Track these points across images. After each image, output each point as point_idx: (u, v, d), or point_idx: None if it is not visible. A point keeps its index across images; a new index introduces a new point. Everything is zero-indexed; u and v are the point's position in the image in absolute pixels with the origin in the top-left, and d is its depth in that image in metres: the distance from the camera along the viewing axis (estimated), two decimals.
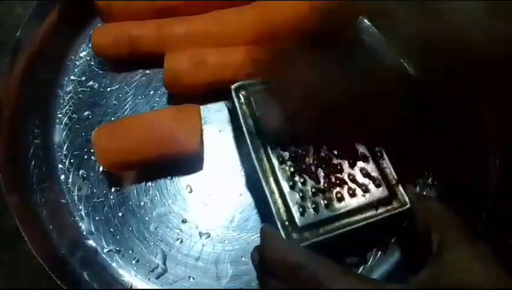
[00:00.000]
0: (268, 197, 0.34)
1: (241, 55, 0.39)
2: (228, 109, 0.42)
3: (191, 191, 0.40)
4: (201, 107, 0.40)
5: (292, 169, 0.35)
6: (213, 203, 0.39)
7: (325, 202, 0.34)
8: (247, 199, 0.40)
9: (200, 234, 0.39)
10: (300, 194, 0.34)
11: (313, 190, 0.34)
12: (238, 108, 0.36)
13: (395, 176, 0.35)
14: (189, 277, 0.37)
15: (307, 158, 0.35)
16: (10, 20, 0.45)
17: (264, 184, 0.34)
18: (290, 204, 0.33)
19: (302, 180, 0.35)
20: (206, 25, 0.41)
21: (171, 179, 0.40)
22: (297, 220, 0.33)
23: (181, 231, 0.39)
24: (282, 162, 0.35)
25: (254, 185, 0.38)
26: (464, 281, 0.27)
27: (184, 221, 0.39)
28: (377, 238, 0.38)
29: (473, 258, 0.28)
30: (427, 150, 0.41)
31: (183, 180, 0.40)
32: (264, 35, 0.41)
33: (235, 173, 0.40)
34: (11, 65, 0.40)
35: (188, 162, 0.40)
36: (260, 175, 0.34)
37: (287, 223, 0.33)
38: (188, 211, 0.39)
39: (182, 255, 0.38)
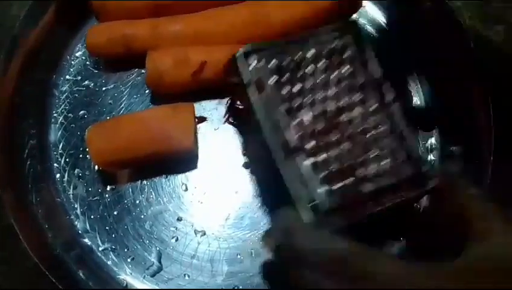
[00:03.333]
0: (287, 179, 0.31)
1: (224, 53, 0.39)
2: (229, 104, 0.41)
3: (186, 190, 0.40)
4: (196, 105, 0.40)
5: (311, 146, 0.32)
6: (208, 201, 0.40)
7: (350, 182, 0.31)
8: (243, 196, 0.40)
9: (196, 232, 0.39)
10: (322, 174, 0.31)
11: (336, 170, 0.31)
12: (244, 77, 0.32)
13: (421, 154, 0.33)
14: (185, 275, 0.37)
15: (328, 135, 0.32)
16: (6, 20, 0.45)
17: (280, 164, 0.31)
18: (311, 187, 0.30)
19: (323, 158, 0.31)
20: (200, 24, 0.41)
21: (167, 177, 0.40)
22: (320, 204, 0.30)
23: (176, 229, 0.39)
24: (301, 138, 0.32)
25: (266, 171, 0.35)
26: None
27: (179, 219, 0.39)
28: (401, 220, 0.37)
29: None
30: None
31: (178, 179, 0.40)
32: (257, 34, 0.41)
33: (231, 171, 0.40)
34: (6, 65, 0.40)
35: (183, 160, 0.40)
36: (276, 154, 0.31)
37: (311, 207, 0.30)
38: (183, 209, 0.39)
39: (177, 253, 0.38)
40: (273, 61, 0.33)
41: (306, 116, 0.32)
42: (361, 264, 0.26)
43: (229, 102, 0.41)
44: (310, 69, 0.33)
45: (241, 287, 0.37)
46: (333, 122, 0.33)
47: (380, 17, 0.47)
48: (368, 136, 0.33)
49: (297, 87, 0.33)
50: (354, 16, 0.45)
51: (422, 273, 0.25)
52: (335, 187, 0.31)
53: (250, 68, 0.32)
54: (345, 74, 0.34)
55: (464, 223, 0.29)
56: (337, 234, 0.28)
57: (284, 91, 0.32)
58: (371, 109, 0.33)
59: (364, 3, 0.45)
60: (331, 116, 0.33)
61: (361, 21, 0.46)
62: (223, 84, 0.40)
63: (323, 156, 0.32)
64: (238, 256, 0.38)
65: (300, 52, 0.33)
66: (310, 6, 0.41)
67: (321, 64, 0.34)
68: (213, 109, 0.42)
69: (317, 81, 0.33)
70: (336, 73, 0.34)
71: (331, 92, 0.33)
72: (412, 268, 0.26)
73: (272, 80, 0.32)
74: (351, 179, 0.31)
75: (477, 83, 0.40)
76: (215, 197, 0.40)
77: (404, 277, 0.25)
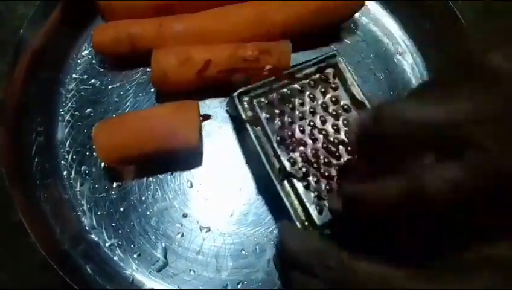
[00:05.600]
0: (285, 199, 0.34)
1: (228, 52, 0.40)
2: (230, 115, 0.42)
3: (191, 186, 0.40)
4: (200, 103, 0.41)
5: (304, 169, 0.35)
6: (213, 198, 0.40)
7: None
8: (247, 193, 0.40)
9: (201, 228, 0.39)
10: (316, 193, 0.35)
11: (327, 187, 0.35)
12: (243, 115, 0.37)
13: None
14: (190, 270, 0.38)
15: (317, 157, 0.36)
16: (13, 19, 0.46)
17: (278, 187, 0.35)
18: (307, 204, 0.34)
19: (315, 179, 0.35)
20: (204, 23, 0.41)
21: (172, 174, 0.41)
22: (316, 219, 0.34)
23: (182, 225, 0.39)
24: (293, 163, 0.36)
25: (267, 187, 0.39)
26: (483, 252, 0.25)
27: (185, 215, 0.39)
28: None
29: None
30: None
31: (183, 176, 0.41)
32: (261, 33, 0.41)
33: (235, 168, 0.41)
34: (14, 64, 0.41)
35: (188, 157, 0.40)
36: (274, 179, 0.35)
37: (306, 223, 0.34)
38: (188, 205, 0.40)
39: (183, 249, 0.39)
40: (263, 99, 0.37)
41: (298, 143, 0.36)
42: (336, 258, 0.27)
43: None
44: (297, 100, 0.38)
45: (245, 282, 0.38)
46: (323, 145, 0.37)
47: (382, 15, 0.47)
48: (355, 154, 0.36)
49: (287, 118, 0.37)
50: (357, 14, 0.45)
51: (401, 274, 0.25)
52: (325, 204, 0.34)
53: (245, 107, 0.37)
54: (329, 100, 0.38)
55: None
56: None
57: (276, 123, 0.37)
58: None
59: (366, 2, 0.46)
60: (321, 140, 0.37)
61: (364, 20, 0.47)
62: (227, 83, 0.40)
63: (315, 177, 0.36)
64: (243, 252, 0.38)
65: (287, 87, 0.38)
66: (312, 5, 0.41)
67: (307, 94, 0.38)
68: (217, 107, 0.43)
69: (305, 110, 0.37)
70: (321, 101, 0.38)
71: (319, 118, 0.37)
72: (391, 269, 0.26)
73: (264, 115, 0.37)
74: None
75: None
76: (219, 194, 0.40)
77: (383, 277, 0.25)
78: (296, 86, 0.38)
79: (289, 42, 0.41)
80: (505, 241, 0.25)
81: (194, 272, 0.38)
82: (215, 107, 0.43)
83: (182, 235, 0.39)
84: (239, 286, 0.38)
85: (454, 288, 0.24)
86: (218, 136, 0.42)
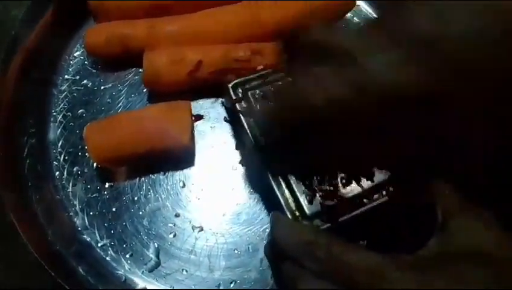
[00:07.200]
0: (276, 189, 0.34)
1: (219, 53, 0.40)
2: (225, 106, 0.42)
3: (183, 186, 0.40)
4: (193, 103, 0.41)
5: None
6: (206, 198, 0.40)
7: (331, 188, 0.34)
8: (239, 193, 0.40)
9: (193, 228, 0.39)
10: (307, 183, 0.35)
11: (318, 178, 0.35)
12: (237, 105, 0.37)
13: None
14: (183, 270, 0.38)
15: None
16: (7, 21, 0.46)
17: (270, 177, 0.35)
18: (298, 194, 0.34)
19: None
20: (196, 24, 0.42)
21: (164, 174, 0.41)
22: (306, 208, 0.34)
23: (174, 225, 0.39)
24: None
25: (257, 179, 0.39)
26: (472, 246, 0.26)
27: (177, 215, 0.39)
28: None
29: (479, 224, 0.27)
30: None
31: (176, 176, 0.41)
32: (252, 33, 0.41)
33: (227, 168, 0.41)
34: (6, 65, 0.41)
35: (180, 157, 0.40)
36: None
37: (296, 212, 0.34)
38: (181, 205, 0.40)
39: (175, 249, 0.39)
40: (258, 90, 0.38)
41: None
42: (326, 249, 0.27)
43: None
44: None
45: (238, 282, 0.38)
46: None
47: (374, 15, 0.47)
48: None
49: None
50: (349, 14, 0.45)
51: (393, 267, 0.25)
52: (316, 194, 0.34)
53: (239, 98, 0.37)
54: None
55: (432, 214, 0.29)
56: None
57: None
58: None
59: (358, 2, 0.46)
60: None
61: (355, 20, 0.47)
62: (219, 83, 0.41)
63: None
64: (236, 251, 0.38)
65: (280, 81, 0.38)
66: (304, 6, 0.42)
67: None
68: (210, 108, 0.43)
69: None
70: None
71: None
72: (380, 258, 0.26)
73: (258, 107, 0.37)
74: (331, 185, 0.34)
75: None
76: (212, 194, 0.40)
77: (373, 269, 0.25)
78: (287, 80, 0.38)
79: (281, 43, 0.41)
80: (493, 235, 0.26)
81: (186, 271, 0.38)
82: (207, 107, 0.43)
83: (175, 235, 0.39)
84: (232, 286, 0.38)
85: (445, 283, 0.24)
86: (211, 136, 0.42)
